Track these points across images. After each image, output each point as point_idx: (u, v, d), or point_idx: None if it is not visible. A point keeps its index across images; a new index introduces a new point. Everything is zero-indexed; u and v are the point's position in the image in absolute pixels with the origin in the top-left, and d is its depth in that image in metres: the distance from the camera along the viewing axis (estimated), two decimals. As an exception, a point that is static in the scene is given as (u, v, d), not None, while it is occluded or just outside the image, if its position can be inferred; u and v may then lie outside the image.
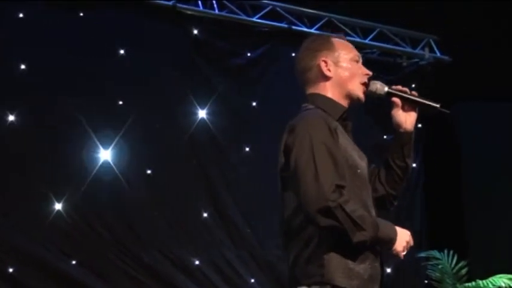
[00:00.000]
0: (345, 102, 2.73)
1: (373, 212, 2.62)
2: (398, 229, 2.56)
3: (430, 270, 6.17)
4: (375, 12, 6.41)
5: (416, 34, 6.78)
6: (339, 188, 2.43)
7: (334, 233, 2.43)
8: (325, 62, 2.72)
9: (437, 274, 6.09)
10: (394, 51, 6.78)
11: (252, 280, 5.81)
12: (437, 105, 2.74)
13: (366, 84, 2.75)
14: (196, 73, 5.93)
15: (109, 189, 5.50)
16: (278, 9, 6.29)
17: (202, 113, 5.87)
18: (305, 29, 6.36)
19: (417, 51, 6.77)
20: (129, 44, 5.71)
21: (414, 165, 6.22)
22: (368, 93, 2.75)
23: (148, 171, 5.64)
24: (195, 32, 5.98)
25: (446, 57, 6.83)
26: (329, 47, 2.76)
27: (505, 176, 6.86)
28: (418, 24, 6.56)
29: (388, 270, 6.02)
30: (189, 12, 5.93)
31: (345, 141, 2.60)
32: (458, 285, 5.97)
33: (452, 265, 6.03)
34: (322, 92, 2.73)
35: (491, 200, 6.90)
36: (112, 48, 5.68)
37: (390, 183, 2.83)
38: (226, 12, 6.10)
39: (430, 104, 2.76)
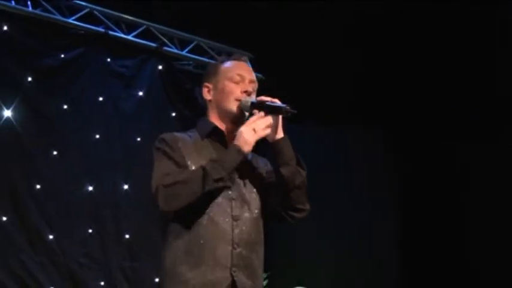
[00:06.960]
0: (224, 121, 2.88)
1: (213, 212, 2.71)
2: None
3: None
4: (194, 24, 6.47)
5: (233, 50, 6.92)
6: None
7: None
8: (207, 87, 2.93)
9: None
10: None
11: (51, 287, 5.60)
12: (283, 106, 2.71)
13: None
14: (1, 71, 5.60)
15: None
16: (96, 12, 6.16)
17: (7, 113, 5.58)
18: (122, 35, 6.28)
19: (231, 66, 6.88)
20: None
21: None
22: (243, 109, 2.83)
23: None
24: (5, 28, 5.67)
25: (260, 75, 7.00)
26: (214, 71, 2.94)
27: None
28: (236, 41, 6.69)
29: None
30: (-1, 7, 5.64)
31: (193, 152, 2.78)
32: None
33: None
34: (207, 115, 2.93)
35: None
36: None
37: (276, 194, 2.82)
38: (40, 11, 5.87)
39: (278, 108, 2.72)
